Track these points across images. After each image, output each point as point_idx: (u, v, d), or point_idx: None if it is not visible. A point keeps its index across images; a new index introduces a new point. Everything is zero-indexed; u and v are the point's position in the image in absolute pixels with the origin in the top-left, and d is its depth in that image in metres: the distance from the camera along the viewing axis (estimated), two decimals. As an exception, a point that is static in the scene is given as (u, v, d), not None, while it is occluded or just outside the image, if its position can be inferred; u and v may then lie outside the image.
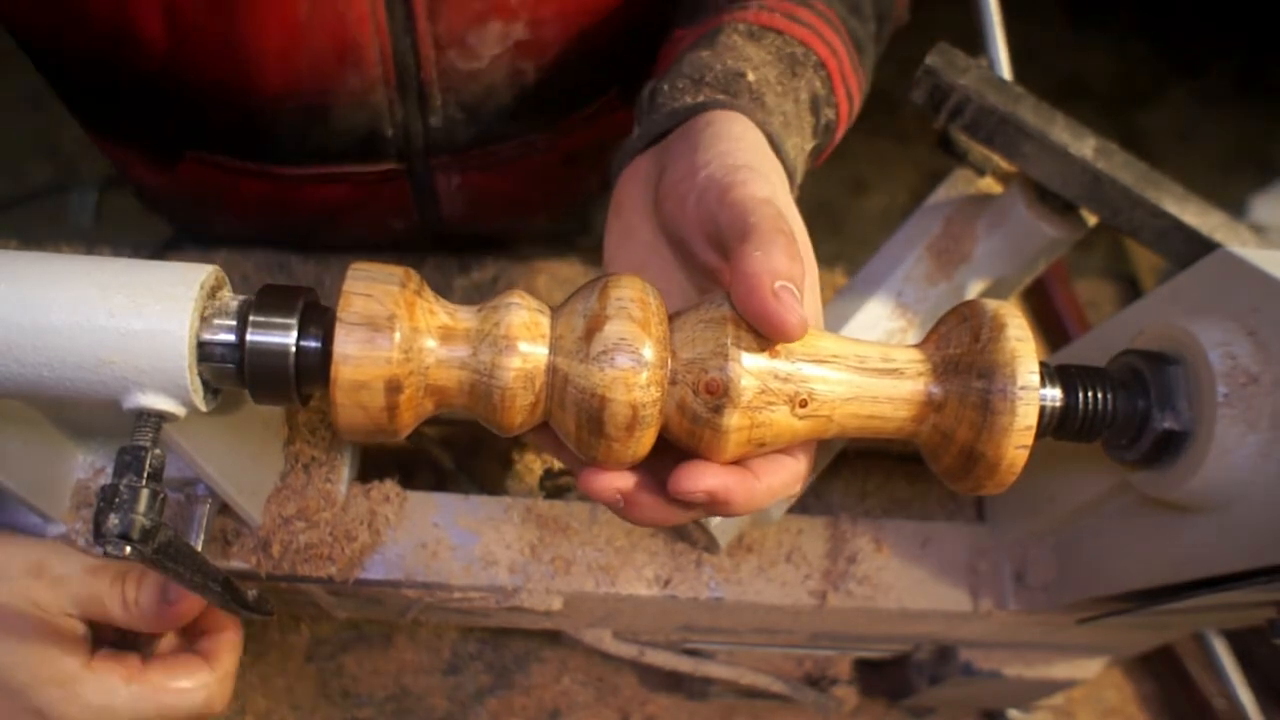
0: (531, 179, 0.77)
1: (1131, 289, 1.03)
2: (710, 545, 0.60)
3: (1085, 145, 0.56)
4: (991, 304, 0.42)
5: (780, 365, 0.40)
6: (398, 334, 0.37)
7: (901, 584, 0.62)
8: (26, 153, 1.87)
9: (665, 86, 0.50)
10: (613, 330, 0.38)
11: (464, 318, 0.40)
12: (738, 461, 0.41)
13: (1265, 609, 0.53)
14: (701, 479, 0.40)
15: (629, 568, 0.60)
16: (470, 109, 0.68)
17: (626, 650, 0.68)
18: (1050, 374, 0.45)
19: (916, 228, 0.65)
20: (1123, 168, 0.56)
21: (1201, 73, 2.40)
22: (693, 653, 0.69)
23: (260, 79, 0.62)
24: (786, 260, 0.39)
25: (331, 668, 0.71)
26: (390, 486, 0.59)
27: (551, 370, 0.39)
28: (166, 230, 0.88)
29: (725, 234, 0.42)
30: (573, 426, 0.39)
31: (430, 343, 0.39)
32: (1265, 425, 0.45)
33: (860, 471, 0.73)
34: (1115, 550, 0.56)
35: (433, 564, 0.58)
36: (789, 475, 0.42)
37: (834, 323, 0.62)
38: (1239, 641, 0.75)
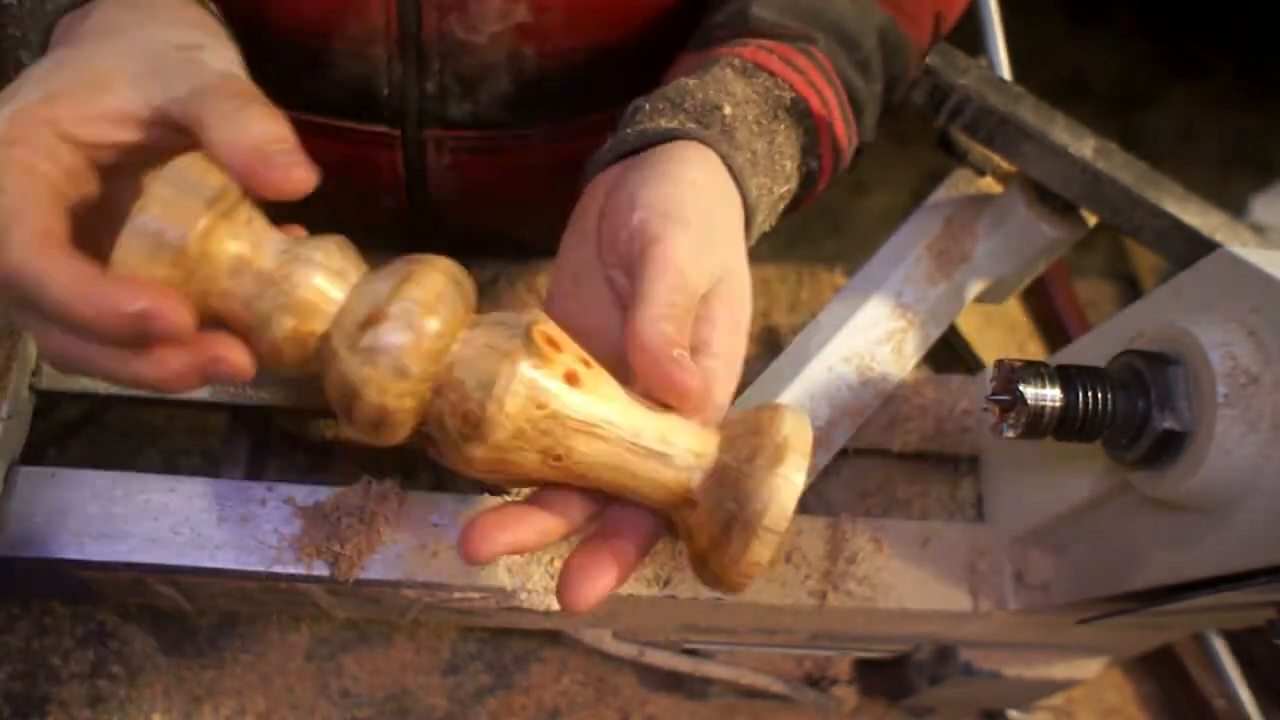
0: (525, 176, 0.76)
1: (1131, 289, 1.03)
2: (710, 545, 0.60)
3: (1085, 145, 0.56)
4: (788, 426, 0.41)
5: (544, 420, 0.39)
6: (185, 251, 0.36)
7: (901, 584, 0.62)
8: (26, 153, 1.87)
9: (646, 105, 0.51)
10: (385, 331, 0.38)
11: (266, 255, 0.38)
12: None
13: (1265, 609, 0.53)
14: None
15: (629, 568, 0.60)
16: (466, 83, 0.68)
17: (626, 650, 0.68)
18: (1050, 374, 0.45)
19: (916, 228, 0.65)
20: (1123, 168, 0.56)
21: (1201, 73, 2.40)
22: (693, 653, 0.69)
23: (266, 8, 0.62)
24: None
25: (331, 668, 0.71)
26: (390, 486, 0.59)
27: (326, 340, 0.39)
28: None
29: (632, 282, 0.44)
30: (331, 400, 0.40)
31: (217, 270, 0.37)
32: (1265, 425, 0.44)
33: (860, 471, 0.73)
34: (1115, 550, 0.56)
35: (433, 564, 0.58)
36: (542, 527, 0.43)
37: (834, 323, 0.62)
38: (1239, 641, 0.75)
